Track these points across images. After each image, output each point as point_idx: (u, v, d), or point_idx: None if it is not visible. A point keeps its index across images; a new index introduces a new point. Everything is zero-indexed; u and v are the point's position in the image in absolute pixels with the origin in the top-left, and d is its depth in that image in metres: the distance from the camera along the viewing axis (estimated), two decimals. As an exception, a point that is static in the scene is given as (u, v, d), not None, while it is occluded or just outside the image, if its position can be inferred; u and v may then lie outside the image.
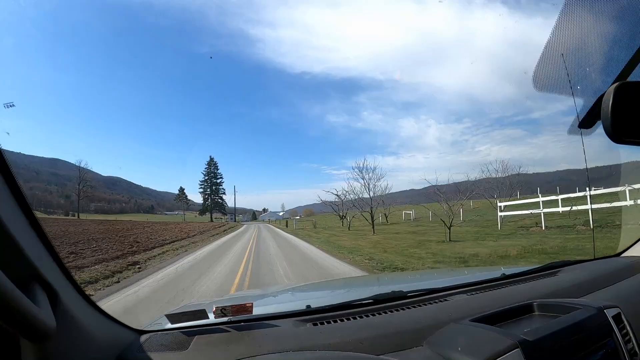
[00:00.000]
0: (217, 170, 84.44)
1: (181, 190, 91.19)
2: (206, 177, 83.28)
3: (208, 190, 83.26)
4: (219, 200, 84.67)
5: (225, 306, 1.02)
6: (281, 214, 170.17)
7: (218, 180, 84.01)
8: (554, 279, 1.60)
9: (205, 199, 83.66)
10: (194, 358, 0.89)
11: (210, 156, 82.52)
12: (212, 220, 71.83)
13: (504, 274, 1.61)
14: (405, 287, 1.43)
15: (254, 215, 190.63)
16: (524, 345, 0.84)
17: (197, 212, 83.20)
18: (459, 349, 0.87)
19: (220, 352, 0.91)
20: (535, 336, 0.88)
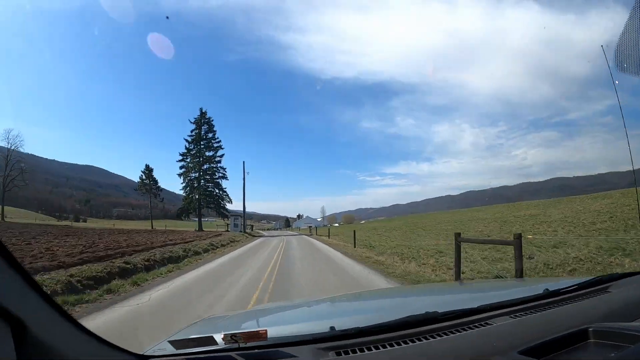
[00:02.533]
0: (214, 135, 43.96)
1: (147, 170, 51.78)
2: (192, 147, 43.27)
3: (194, 171, 43.31)
4: (215, 191, 44.25)
5: (236, 333, 0.92)
6: (319, 219, 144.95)
7: (213, 153, 43.92)
8: (605, 297, 1.41)
9: (189, 189, 43.54)
10: None
11: (201, 108, 44.45)
12: (200, 229, 39.96)
13: (547, 289, 1.45)
14: (438, 302, 1.38)
15: (287, 222, 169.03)
16: None
17: (178, 211, 45.68)
18: None
19: None
20: None
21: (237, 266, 10.56)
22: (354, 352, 0.94)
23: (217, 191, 44.96)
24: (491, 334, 1.06)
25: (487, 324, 1.13)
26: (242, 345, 0.91)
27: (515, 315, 1.20)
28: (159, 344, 1.11)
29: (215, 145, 44.45)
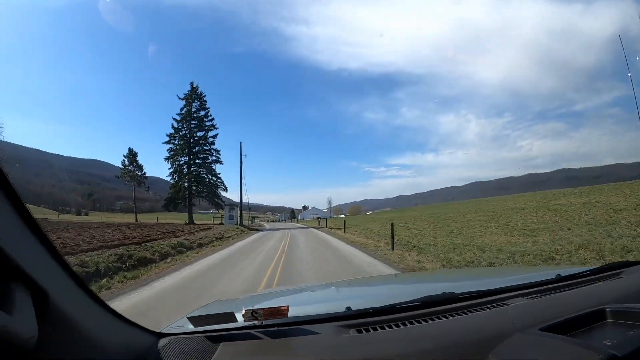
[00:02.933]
0: (206, 113, 36.50)
1: (130, 155, 45.66)
2: (180, 126, 35.93)
3: (183, 155, 35.46)
4: (207, 177, 36.42)
5: (257, 309, 0.90)
6: (325, 210, 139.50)
7: (204, 133, 36.41)
8: (618, 281, 1.42)
9: (177, 176, 35.77)
10: None
11: (192, 83, 37.00)
12: (191, 222, 33.35)
13: (559, 274, 1.45)
14: (454, 286, 1.33)
15: (292, 214, 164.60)
16: None
17: (165, 201, 37.01)
18: None
19: None
20: (624, 350, 0.73)
21: (193, 296, 4.94)
22: (375, 329, 0.95)
23: (209, 177, 36.61)
24: (509, 313, 1.07)
25: (504, 304, 1.14)
26: (262, 322, 0.90)
27: (532, 297, 1.22)
28: (178, 321, 1.12)
29: (207, 124, 36.62)
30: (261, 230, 27.72)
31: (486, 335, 0.89)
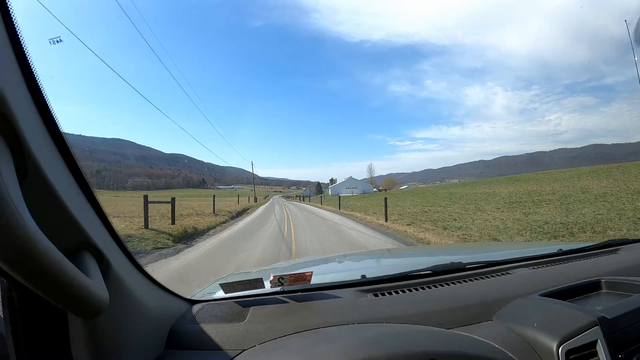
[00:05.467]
0: None
1: None
2: None
3: None
4: None
5: (283, 275, 0.93)
6: (362, 180, 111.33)
7: None
8: (615, 256, 1.45)
9: None
10: (253, 330, 0.79)
11: None
12: None
13: (561, 249, 1.49)
14: (463, 258, 1.35)
15: (318, 188, 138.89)
16: (603, 322, 0.77)
17: None
18: (535, 324, 0.80)
19: (280, 324, 0.81)
20: (613, 314, 0.80)
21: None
22: (390, 293, 0.99)
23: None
24: (513, 281, 1.11)
25: (508, 273, 1.19)
26: (286, 288, 0.95)
27: (534, 267, 1.26)
28: (210, 286, 1.20)
29: None
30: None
31: (491, 299, 0.93)
